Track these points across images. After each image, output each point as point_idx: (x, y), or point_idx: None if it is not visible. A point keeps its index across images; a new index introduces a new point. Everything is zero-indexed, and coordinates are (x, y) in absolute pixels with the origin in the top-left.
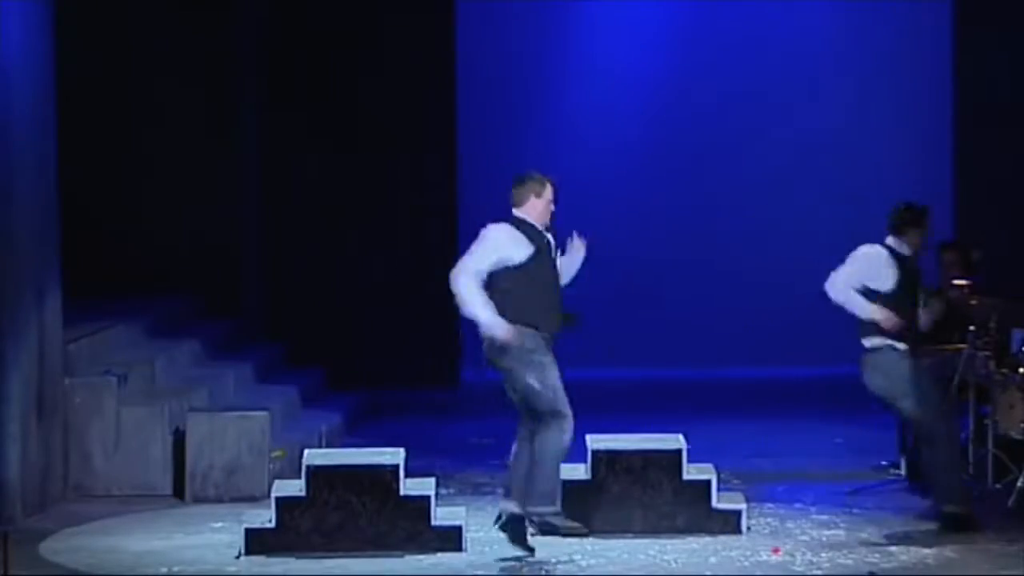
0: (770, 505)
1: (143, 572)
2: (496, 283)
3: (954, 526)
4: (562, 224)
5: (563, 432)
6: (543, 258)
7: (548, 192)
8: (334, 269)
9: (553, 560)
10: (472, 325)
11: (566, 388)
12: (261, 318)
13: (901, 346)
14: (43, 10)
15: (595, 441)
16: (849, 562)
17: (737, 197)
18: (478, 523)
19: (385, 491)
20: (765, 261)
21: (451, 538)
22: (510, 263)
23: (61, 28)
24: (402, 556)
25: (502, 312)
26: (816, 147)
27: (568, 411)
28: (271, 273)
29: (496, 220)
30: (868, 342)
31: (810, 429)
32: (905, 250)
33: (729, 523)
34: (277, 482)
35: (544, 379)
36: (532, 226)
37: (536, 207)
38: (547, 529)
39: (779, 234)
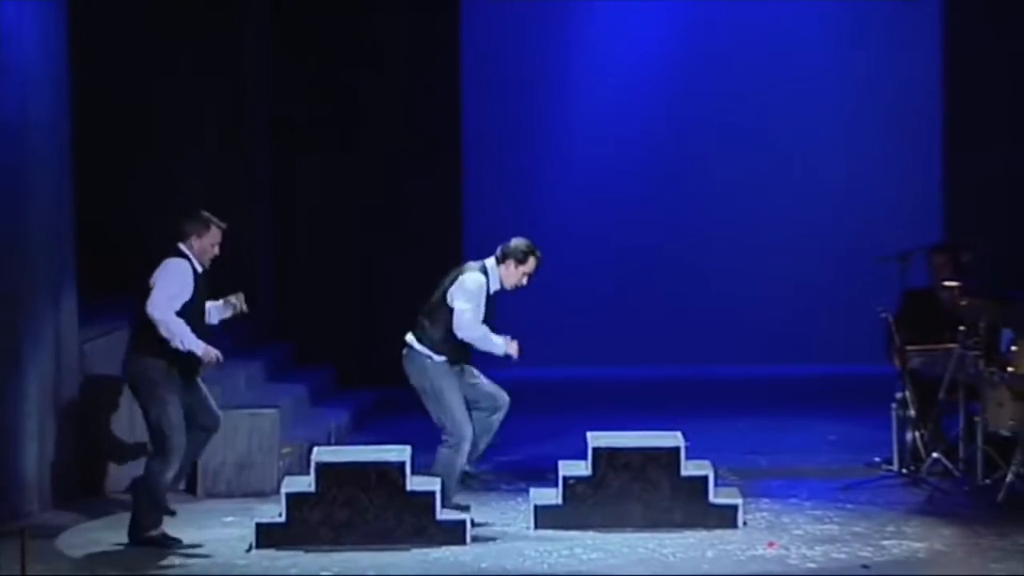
0: (766, 500)
1: (157, 565)
2: (443, 317)
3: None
4: (566, 222)
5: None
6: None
7: (531, 263)
8: (343, 268)
9: (554, 553)
10: None
11: (568, 385)
12: (271, 317)
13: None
14: (58, 16)
15: (595, 438)
16: (842, 556)
17: (736, 197)
18: (482, 518)
19: (392, 487)
20: (763, 260)
21: (456, 532)
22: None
23: (73, 34)
24: (408, 550)
25: (447, 347)
26: (812, 147)
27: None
28: (281, 272)
29: (502, 219)
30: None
31: (805, 427)
32: None
33: (726, 518)
34: (287, 478)
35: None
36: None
37: (511, 273)
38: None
39: (777, 233)
